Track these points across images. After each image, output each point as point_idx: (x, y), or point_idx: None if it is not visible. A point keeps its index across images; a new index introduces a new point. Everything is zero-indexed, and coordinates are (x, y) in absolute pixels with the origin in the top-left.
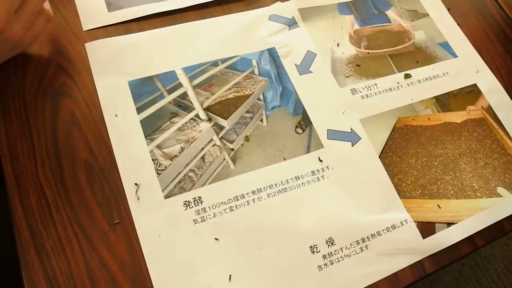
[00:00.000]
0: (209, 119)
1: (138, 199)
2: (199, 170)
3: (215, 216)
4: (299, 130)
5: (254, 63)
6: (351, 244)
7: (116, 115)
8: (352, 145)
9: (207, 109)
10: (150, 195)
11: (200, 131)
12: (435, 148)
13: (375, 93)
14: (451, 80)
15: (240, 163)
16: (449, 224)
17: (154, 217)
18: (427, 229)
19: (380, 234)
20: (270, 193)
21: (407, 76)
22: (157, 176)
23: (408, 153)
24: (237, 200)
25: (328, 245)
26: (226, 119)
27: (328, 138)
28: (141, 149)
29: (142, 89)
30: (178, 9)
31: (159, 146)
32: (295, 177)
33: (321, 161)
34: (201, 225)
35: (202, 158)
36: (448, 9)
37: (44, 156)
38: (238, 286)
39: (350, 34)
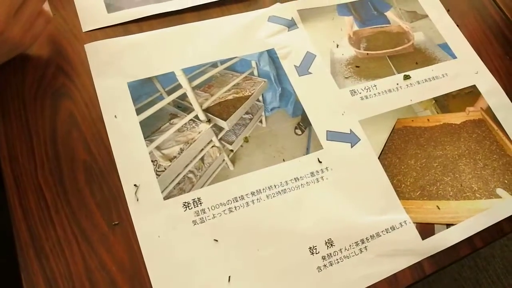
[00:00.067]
0: (209, 120)
1: (138, 200)
2: (199, 171)
3: (214, 217)
4: (299, 131)
5: (254, 64)
6: (350, 245)
7: (115, 116)
8: (352, 146)
9: (206, 110)
10: (150, 196)
11: (199, 132)
12: (434, 149)
13: (375, 94)
14: (450, 81)
15: (239, 164)
16: (448, 225)
17: (153, 218)
18: (426, 230)
19: (379, 235)
20: (270, 194)
21: (407, 77)
22: (157, 177)
23: (408, 154)
24: (237, 201)
25: (328, 246)
26: (225, 120)
27: (327, 139)
28: (140, 150)
29: (142, 90)
30: (178, 10)
31: (158, 147)
32: (295, 178)
33: (320, 162)
34: (200, 226)
35: (202, 159)
36: (447, 10)
37: (43, 157)
38: (237, 287)
39: (350, 35)
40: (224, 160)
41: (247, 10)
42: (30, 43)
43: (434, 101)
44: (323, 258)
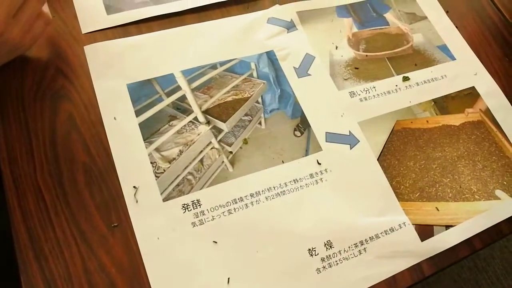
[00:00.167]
0: (208, 122)
1: (137, 202)
2: (198, 173)
3: (213, 219)
4: (298, 133)
5: (253, 66)
6: (349, 247)
7: (114, 118)
8: (351, 148)
9: (205, 112)
10: (149, 198)
11: (198, 134)
12: (434, 151)
13: (374, 96)
14: (449, 82)
15: (238, 166)
16: (447, 227)
17: (152, 220)
18: (425, 231)
19: (378, 237)
20: (269, 196)
21: (406, 79)
22: (156, 179)
23: (407, 155)
24: (236, 203)
25: (327, 248)
26: (224, 122)
27: (326, 141)
28: (139, 152)
29: (141, 92)
30: (177, 12)
31: (157, 149)
32: (294, 180)
33: (319, 164)
34: (199, 228)
35: (201, 161)
36: (446, 12)
37: (42, 159)
38: None
39: (349, 37)
40: (223, 161)
41: (247, 12)
42: (29, 45)
43: (433, 103)
44: (322, 259)
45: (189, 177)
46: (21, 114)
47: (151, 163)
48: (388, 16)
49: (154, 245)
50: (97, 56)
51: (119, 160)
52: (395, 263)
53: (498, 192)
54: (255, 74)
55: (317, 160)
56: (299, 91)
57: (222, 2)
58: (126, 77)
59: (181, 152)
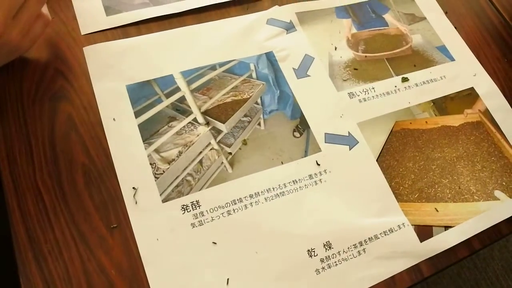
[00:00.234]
0: (207, 123)
1: (136, 203)
2: (197, 174)
3: (212, 220)
4: (297, 134)
5: (252, 67)
6: (348, 248)
7: (114, 119)
8: (350, 149)
9: (205, 113)
10: (148, 199)
11: (198, 135)
12: (433, 152)
13: (373, 96)
14: (448, 83)
15: (237, 167)
16: (446, 228)
17: (152, 221)
18: (424, 232)
19: (377, 237)
20: (268, 197)
21: (405, 79)
22: (155, 180)
23: (406, 156)
24: (235, 204)
25: (326, 248)
26: (224, 123)
27: (325, 142)
28: (139, 153)
29: (140, 93)
30: (176, 13)
31: (157, 150)
32: (293, 181)
33: (318, 164)
34: (199, 229)
35: (200, 162)
36: (445, 13)
37: (42, 160)
38: None
39: (348, 37)
40: (222, 162)
41: (246, 13)
42: (28, 46)
43: (432, 104)
44: (322, 260)
45: (189, 178)
46: (20, 115)
47: (151, 164)
48: (387, 17)
49: (153, 246)
50: (96, 57)
51: (118, 161)
52: (394, 263)
53: (497, 193)
54: (254, 75)
55: (316, 161)
56: (298, 92)
57: (221, 3)
58: (125, 78)
59: (180, 153)
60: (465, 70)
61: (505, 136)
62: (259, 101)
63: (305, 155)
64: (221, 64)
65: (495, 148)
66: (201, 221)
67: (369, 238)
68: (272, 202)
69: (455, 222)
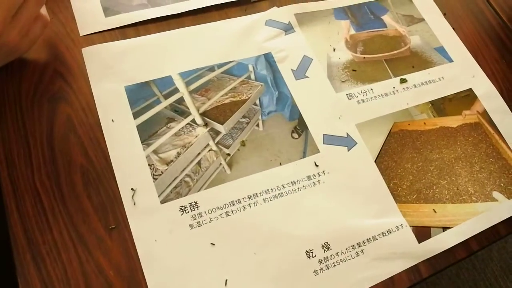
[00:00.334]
0: (206, 124)
1: (134, 204)
2: (195, 175)
3: (211, 221)
4: (295, 135)
5: (251, 68)
6: (347, 249)
7: (112, 120)
8: (348, 150)
9: (203, 114)
10: (146, 200)
11: (196, 136)
12: (431, 153)
13: (371, 98)
14: (446, 84)
15: (236, 168)
16: (444, 229)
17: (150, 222)
18: (422, 233)
19: (376, 238)
20: (266, 198)
21: (403, 81)
22: (153, 181)
23: (404, 157)
24: (233, 205)
25: (324, 249)
26: (222, 124)
27: (324, 143)
28: (137, 154)
29: (139, 94)
30: (175, 14)
31: (155, 151)
32: (291, 182)
33: (317, 166)
34: (197, 230)
35: (198, 163)
36: (444, 14)
37: (40, 161)
38: None
39: (346, 39)
40: (221, 164)
41: (244, 14)
42: (27, 47)
43: (430, 105)
44: (320, 261)
45: (187, 179)
46: (19, 116)
47: (149, 165)
48: (386, 18)
49: (151, 247)
50: (95, 58)
51: (117, 162)
52: (392, 264)
53: (495, 194)
54: (252, 76)
55: (315, 162)
56: (296, 93)
57: (220, 4)
58: (124, 79)
59: (178, 154)
60: (463, 71)
61: (503, 137)
62: (257, 102)
63: (304, 156)
64: (220, 65)
65: (493, 149)
66: (199, 222)
67: (367, 239)
68: (271, 203)
69: (453, 223)
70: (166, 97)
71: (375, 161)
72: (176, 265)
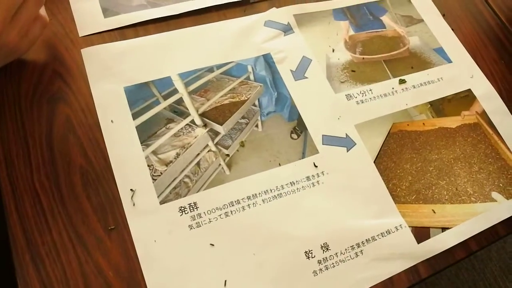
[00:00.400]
0: (205, 125)
1: (134, 205)
2: (195, 176)
3: (210, 221)
4: (294, 136)
5: (250, 69)
6: (346, 249)
7: (111, 120)
8: (347, 151)
9: (202, 115)
10: (146, 201)
11: (195, 137)
12: (430, 153)
13: (370, 98)
14: (445, 85)
15: (235, 169)
16: (443, 229)
17: (149, 222)
18: (421, 234)
19: (375, 239)
20: (265, 199)
21: (402, 81)
22: (153, 182)
23: (403, 158)
24: (233, 205)
25: (323, 250)
26: (221, 124)
27: (323, 144)
28: (136, 155)
29: (138, 95)
30: (174, 15)
31: (154, 152)
32: (290, 183)
33: (316, 166)
34: (196, 230)
35: (198, 163)
36: (443, 15)
37: (39, 161)
38: None
39: (345, 39)
40: (220, 164)
41: (243, 15)
42: (26, 48)
43: (429, 105)
44: (319, 262)
45: (186, 180)
46: (18, 117)
47: (148, 166)
48: (385, 19)
49: (151, 248)
50: (94, 59)
51: (116, 163)
52: (391, 265)
53: (494, 194)
54: (252, 77)
55: (314, 163)
56: (296, 94)
57: (219, 5)
58: (123, 80)
59: (178, 155)
60: (462, 72)
61: (502, 138)
62: (256, 103)
63: (303, 157)
64: (219, 66)
65: (492, 149)
66: (198, 223)
67: (366, 239)
68: (270, 204)
69: (452, 223)
70: (166, 97)
71: (374, 162)
72: (176, 265)
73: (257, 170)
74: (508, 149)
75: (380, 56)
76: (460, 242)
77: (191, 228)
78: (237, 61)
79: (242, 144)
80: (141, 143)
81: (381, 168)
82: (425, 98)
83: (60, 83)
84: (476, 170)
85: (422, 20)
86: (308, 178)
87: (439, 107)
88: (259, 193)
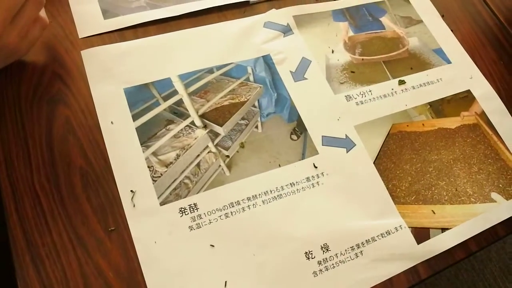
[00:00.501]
0: (205, 126)
1: (134, 206)
2: (195, 177)
3: (210, 222)
4: (294, 137)
5: (249, 70)
6: (346, 250)
7: (111, 122)
8: (347, 151)
9: (202, 116)
10: (146, 202)
11: (195, 138)
12: (430, 154)
13: (370, 99)
14: (445, 86)
15: (235, 170)
16: (443, 230)
17: (149, 224)
18: (421, 234)
19: (374, 240)
20: (265, 200)
21: (401, 82)
22: (153, 183)
23: (403, 159)
24: (233, 206)
25: (323, 251)
26: (221, 126)
27: (323, 145)
28: (136, 156)
29: (138, 96)
30: (174, 16)
31: (154, 153)
32: (290, 184)
33: (316, 167)
34: (196, 231)
35: (198, 165)
36: (442, 16)
37: (39, 163)
38: None
39: (345, 40)
40: (220, 165)
41: (243, 16)
42: (26, 50)
43: (429, 106)
44: (319, 263)
45: (186, 181)
46: (18, 118)
47: (148, 167)
48: (384, 20)
49: (151, 249)
50: (94, 60)
51: (116, 164)
52: (391, 266)
53: (494, 195)
54: (251, 78)
55: (314, 164)
56: (295, 95)
57: (219, 6)
58: (123, 81)
59: (178, 156)
60: (461, 72)
61: (501, 138)
62: (256, 104)
63: (303, 158)
64: (219, 67)
65: (491, 150)
66: (199, 224)
67: (366, 240)
68: (270, 205)
69: (452, 224)
70: (165, 99)
71: (374, 163)
72: (176, 266)
73: (257, 171)
74: (508, 149)
75: (380, 57)
76: (460, 243)
77: (191, 229)
78: (237, 62)
79: (242, 145)
80: (141, 144)
81: (380, 169)
82: (424, 99)
83: (60, 85)
84: (476, 171)
85: (421, 21)
86: (308, 179)
87: (438, 107)
88: (259, 194)
